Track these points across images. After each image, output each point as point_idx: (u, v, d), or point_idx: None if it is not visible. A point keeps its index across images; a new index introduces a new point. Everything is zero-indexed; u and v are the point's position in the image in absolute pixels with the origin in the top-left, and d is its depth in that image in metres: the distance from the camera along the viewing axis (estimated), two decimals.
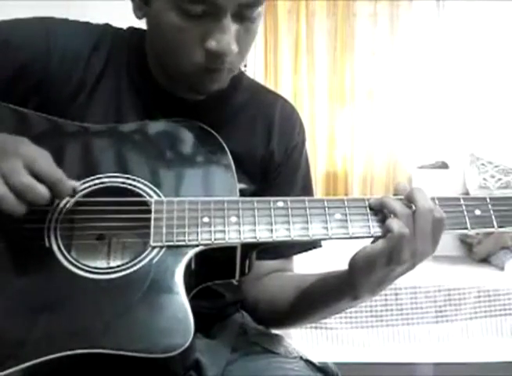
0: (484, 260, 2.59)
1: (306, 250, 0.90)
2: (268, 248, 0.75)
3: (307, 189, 0.93)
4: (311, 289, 0.80)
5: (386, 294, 2.01)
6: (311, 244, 0.89)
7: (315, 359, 0.82)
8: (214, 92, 0.78)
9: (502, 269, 2.34)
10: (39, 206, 0.63)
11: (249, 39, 0.74)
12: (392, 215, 0.68)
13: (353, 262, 0.70)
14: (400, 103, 3.22)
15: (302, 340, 1.94)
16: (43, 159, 0.64)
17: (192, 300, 0.65)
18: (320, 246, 0.89)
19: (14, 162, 0.61)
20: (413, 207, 0.68)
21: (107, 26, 0.85)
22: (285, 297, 0.83)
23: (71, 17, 0.84)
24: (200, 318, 0.62)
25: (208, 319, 0.84)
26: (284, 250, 0.89)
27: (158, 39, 0.76)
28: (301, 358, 0.82)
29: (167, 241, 0.67)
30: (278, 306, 0.85)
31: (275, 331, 0.91)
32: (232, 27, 0.70)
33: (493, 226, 0.71)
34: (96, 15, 1.04)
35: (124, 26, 0.86)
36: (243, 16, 0.71)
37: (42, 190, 0.62)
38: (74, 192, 0.67)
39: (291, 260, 0.93)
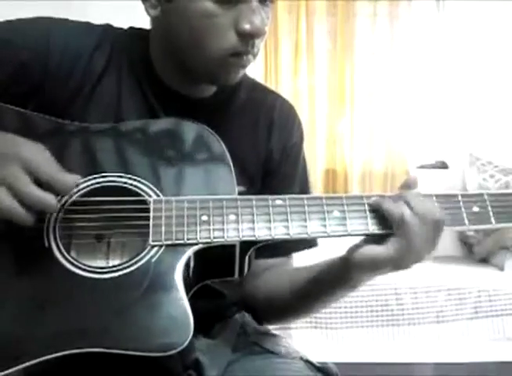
0: (484, 260, 2.59)
1: (302, 249, 0.90)
2: (265, 247, 0.76)
3: (305, 184, 0.94)
4: (307, 280, 0.81)
5: (386, 294, 2.01)
6: (308, 243, 0.89)
7: (315, 359, 0.82)
8: (230, 84, 0.80)
9: (502, 269, 2.33)
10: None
11: (268, 23, 0.78)
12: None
13: (355, 262, 0.71)
14: (399, 103, 3.21)
15: (302, 340, 1.94)
16: (43, 161, 0.64)
17: (194, 300, 0.65)
18: (316, 245, 0.90)
19: (15, 169, 0.61)
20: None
21: (108, 26, 0.85)
22: (281, 291, 0.85)
23: (72, 17, 0.84)
24: (200, 318, 0.62)
25: (209, 320, 0.84)
26: (280, 249, 0.89)
27: (183, 31, 0.76)
28: (301, 358, 0.82)
29: (166, 240, 0.67)
30: (275, 301, 0.86)
31: (275, 331, 0.91)
32: (261, 9, 0.75)
33: (491, 223, 0.71)
34: (97, 15, 1.04)
35: (125, 26, 0.86)
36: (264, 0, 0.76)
37: (52, 202, 0.62)
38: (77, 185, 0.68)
39: (290, 258, 0.93)
